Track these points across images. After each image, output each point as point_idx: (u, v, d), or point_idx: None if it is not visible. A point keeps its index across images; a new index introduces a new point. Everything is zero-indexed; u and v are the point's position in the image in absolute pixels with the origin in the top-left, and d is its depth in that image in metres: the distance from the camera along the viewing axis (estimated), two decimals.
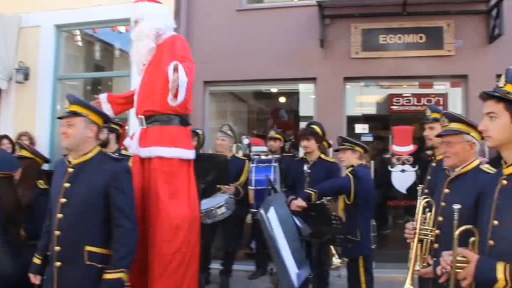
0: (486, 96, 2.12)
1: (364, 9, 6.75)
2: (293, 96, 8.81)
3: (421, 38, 6.83)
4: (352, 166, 4.64)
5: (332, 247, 4.59)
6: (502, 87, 2.10)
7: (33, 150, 4.04)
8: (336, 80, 6.82)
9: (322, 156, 5.35)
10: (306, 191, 4.53)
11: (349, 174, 4.55)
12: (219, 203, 5.38)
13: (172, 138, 3.70)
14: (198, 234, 3.81)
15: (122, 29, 8.24)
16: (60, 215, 2.94)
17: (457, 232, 2.14)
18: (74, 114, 3.02)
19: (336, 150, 4.99)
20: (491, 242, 2.06)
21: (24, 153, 3.89)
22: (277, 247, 2.32)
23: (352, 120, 7.44)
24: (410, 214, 7.75)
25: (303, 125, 8.69)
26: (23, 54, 7.79)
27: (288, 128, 8.43)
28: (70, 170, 3.01)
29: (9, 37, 7.69)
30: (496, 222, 2.06)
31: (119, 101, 4.21)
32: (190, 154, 3.81)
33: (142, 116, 3.81)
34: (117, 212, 2.92)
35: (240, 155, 6.27)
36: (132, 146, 3.89)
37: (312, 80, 6.99)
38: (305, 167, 5.17)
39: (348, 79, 6.96)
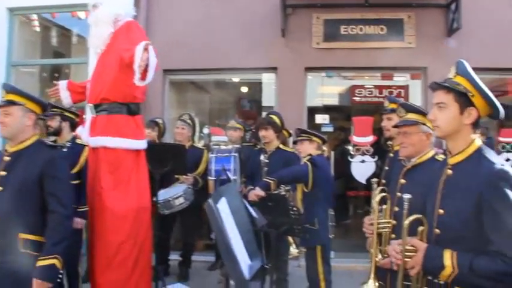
0: (436, 86, 2.15)
1: None
2: (256, 86, 8.75)
3: (382, 29, 6.87)
4: (310, 155, 4.62)
5: (290, 237, 4.60)
6: (452, 78, 2.13)
7: None
8: (297, 70, 6.79)
9: (281, 146, 5.33)
10: (264, 180, 4.50)
11: (307, 162, 4.53)
12: (176, 193, 5.31)
13: (117, 127, 3.64)
14: (149, 225, 3.78)
15: (82, 14, 8.00)
16: None
17: (406, 222, 2.15)
18: (11, 103, 3.00)
19: (294, 142, 4.98)
20: (437, 231, 2.11)
21: None
22: (227, 239, 2.27)
23: (314, 111, 7.46)
24: (370, 204, 7.89)
25: (264, 115, 8.71)
26: None
27: (250, 118, 8.40)
28: (6, 158, 3.01)
29: None
30: (441, 211, 2.10)
31: (78, 89, 4.13)
32: (137, 144, 3.74)
33: (91, 105, 3.75)
34: (50, 198, 2.91)
35: (199, 144, 6.18)
36: (83, 134, 3.83)
37: (273, 69, 6.94)
38: (262, 157, 5.14)
39: (309, 69, 6.94)
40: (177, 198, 5.28)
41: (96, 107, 3.70)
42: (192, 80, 8.21)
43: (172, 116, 7.27)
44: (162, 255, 5.68)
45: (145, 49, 3.23)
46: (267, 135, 5.19)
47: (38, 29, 8.35)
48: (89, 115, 4.12)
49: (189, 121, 5.80)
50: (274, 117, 5.36)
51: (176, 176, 5.59)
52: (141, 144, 3.79)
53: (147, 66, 3.24)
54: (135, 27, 3.79)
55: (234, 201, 2.68)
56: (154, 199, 5.08)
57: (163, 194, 5.24)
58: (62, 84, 4.14)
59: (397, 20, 6.88)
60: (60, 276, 2.99)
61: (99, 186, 3.51)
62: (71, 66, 8.84)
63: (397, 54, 6.78)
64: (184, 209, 5.39)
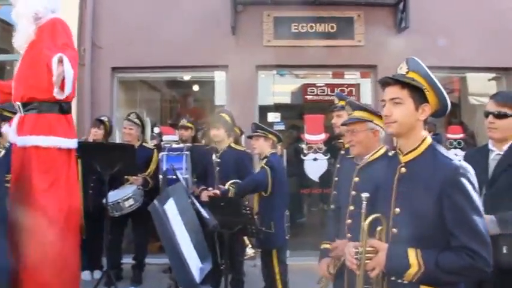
0: (392, 81, 2.10)
1: None
2: (208, 84, 8.65)
3: (332, 27, 6.93)
4: (266, 157, 4.59)
5: (245, 237, 4.55)
6: (405, 74, 2.11)
7: None
8: (248, 68, 6.75)
9: (232, 145, 5.26)
10: (225, 187, 4.46)
11: (265, 166, 4.50)
12: (126, 195, 5.17)
13: (49, 126, 3.53)
14: (77, 227, 3.70)
15: None
16: None
17: (366, 222, 2.09)
18: None
19: (249, 137, 4.93)
20: (394, 230, 2.06)
21: None
22: (175, 241, 2.18)
23: (266, 109, 7.42)
24: (324, 202, 7.95)
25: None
26: None
27: (202, 116, 8.29)
28: None
29: None
30: (397, 210, 2.06)
31: (5, 89, 3.90)
32: (69, 143, 3.65)
33: (19, 103, 3.60)
34: None
35: (149, 144, 6.02)
36: (11, 133, 3.66)
37: (224, 67, 6.87)
38: (214, 157, 5.06)
39: (260, 67, 6.91)
40: (126, 199, 5.15)
41: (24, 105, 3.57)
42: (142, 78, 8.02)
43: (121, 115, 7.07)
44: (114, 258, 5.50)
45: (60, 61, 3.19)
46: (218, 134, 5.11)
47: None
48: None
49: (136, 120, 5.64)
50: (224, 115, 5.28)
51: (125, 177, 5.45)
52: (73, 143, 3.70)
53: (64, 78, 3.21)
54: (59, 27, 3.65)
55: (182, 202, 2.58)
56: (104, 201, 4.95)
57: (112, 196, 5.10)
58: None
59: (347, 18, 6.96)
60: None
61: (31, 187, 3.38)
62: (13, 62, 8.43)
63: (347, 53, 6.86)
64: (136, 211, 5.25)
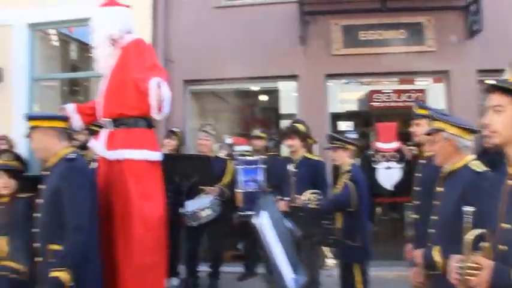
0: (493, 87, 1.96)
1: (344, 5, 6.70)
2: (273, 94, 8.74)
3: (401, 33, 6.83)
4: (348, 171, 4.56)
5: (324, 248, 4.54)
6: (508, 79, 1.95)
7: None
8: (317, 78, 6.78)
9: (307, 154, 5.29)
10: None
11: (348, 182, 4.47)
12: (203, 205, 5.29)
13: (139, 140, 3.69)
14: (167, 235, 3.79)
15: None
16: (37, 214, 3.18)
17: (470, 237, 1.99)
18: (33, 128, 3.21)
19: (326, 149, 4.93)
20: (503, 247, 1.91)
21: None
22: (272, 253, 2.24)
23: (335, 118, 7.41)
24: (395, 211, 7.82)
25: (283, 123, 8.69)
26: None
27: (269, 126, 8.38)
28: (45, 173, 3.25)
29: None
30: (507, 226, 1.90)
31: (87, 111, 4.14)
32: (156, 156, 3.80)
33: (107, 119, 3.78)
34: (66, 212, 3.01)
35: (222, 155, 6.15)
36: (98, 148, 3.83)
37: (293, 77, 6.92)
38: (290, 167, 5.10)
39: (329, 76, 6.91)
40: (203, 209, 5.26)
41: (114, 121, 3.75)
42: (211, 89, 8.21)
43: (193, 125, 7.27)
44: (191, 267, 5.65)
45: (158, 86, 3.29)
46: (293, 144, 5.15)
47: (56, 43, 8.41)
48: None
49: (211, 131, 5.79)
50: (298, 125, 5.31)
51: (201, 187, 5.58)
52: (159, 155, 3.85)
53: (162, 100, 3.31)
54: (144, 47, 3.81)
55: (274, 214, 2.64)
56: (182, 211, 5.09)
57: (190, 206, 5.22)
58: (69, 107, 4.09)
59: (416, 24, 6.84)
60: None
61: (129, 197, 3.53)
62: (90, 79, 8.89)
63: (418, 58, 6.72)
64: (212, 220, 5.37)
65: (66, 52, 8.88)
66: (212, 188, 5.43)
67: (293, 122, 5.52)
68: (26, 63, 7.53)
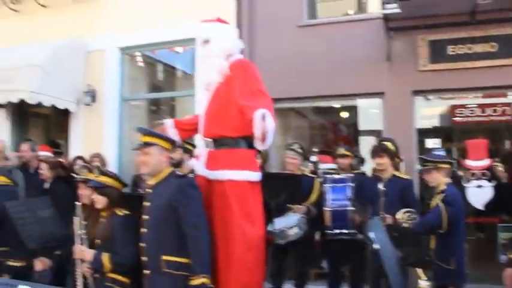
0: None
1: (431, 19, 6.54)
2: (352, 110, 8.67)
3: (492, 47, 6.56)
4: (443, 191, 4.43)
5: (418, 269, 4.41)
6: None
7: (114, 175, 3.99)
8: (403, 94, 6.63)
9: (396, 173, 5.22)
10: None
11: (440, 203, 4.34)
12: (291, 223, 5.27)
13: (241, 161, 3.71)
14: (265, 254, 3.82)
15: (179, 49, 8.39)
16: (145, 230, 3.38)
17: None
18: (148, 144, 3.38)
19: (420, 172, 4.82)
20: None
21: (106, 180, 3.85)
22: (390, 274, 2.21)
23: (420, 134, 7.21)
24: (484, 231, 7.46)
25: (362, 139, 8.57)
26: (90, 77, 8.05)
27: (348, 143, 8.28)
28: (149, 191, 3.48)
29: (77, 61, 7.99)
30: None
31: (185, 127, 4.23)
32: (257, 176, 3.82)
33: (209, 139, 3.82)
34: (186, 224, 3.21)
35: (308, 172, 6.12)
36: (199, 167, 3.89)
37: (379, 94, 6.81)
38: (380, 186, 5.03)
39: (415, 92, 6.74)
40: (291, 228, 5.24)
41: (215, 141, 3.78)
42: (296, 107, 8.26)
43: (276, 142, 7.33)
44: (277, 285, 5.65)
45: (263, 118, 3.26)
46: (382, 162, 5.10)
47: (141, 64, 8.81)
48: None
49: (299, 150, 5.78)
50: (388, 143, 5.26)
51: (288, 205, 5.58)
52: (259, 175, 3.85)
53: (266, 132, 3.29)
54: (250, 70, 3.81)
55: (380, 235, 2.61)
56: (270, 229, 5.11)
57: (277, 224, 5.23)
58: (168, 123, 4.20)
59: (508, 36, 6.54)
60: None
61: (232, 217, 3.57)
62: (176, 98, 9.23)
63: (508, 72, 6.43)
64: (298, 238, 5.35)
65: (151, 73, 9.28)
66: (299, 206, 5.42)
67: (381, 140, 5.46)
68: (117, 84, 7.96)
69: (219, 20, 4.08)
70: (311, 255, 6.03)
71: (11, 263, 4.22)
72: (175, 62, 9.31)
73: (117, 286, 3.58)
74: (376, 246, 2.16)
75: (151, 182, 3.46)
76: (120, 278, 3.60)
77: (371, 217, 3.83)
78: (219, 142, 3.75)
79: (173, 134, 4.13)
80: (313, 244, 5.99)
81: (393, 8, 5.95)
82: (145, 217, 3.40)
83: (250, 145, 3.78)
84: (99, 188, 3.77)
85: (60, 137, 10.63)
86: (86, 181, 4.22)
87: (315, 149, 8.64)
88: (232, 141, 3.72)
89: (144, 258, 3.37)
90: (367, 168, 6.82)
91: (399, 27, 6.61)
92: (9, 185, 4.55)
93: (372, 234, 2.31)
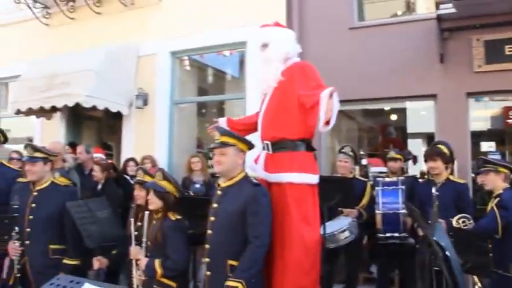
0: None
1: (486, 19, 6.33)
2: (400, 112, 8.52)
3: None
4: (498, 196, 4.30)
5: (474, 276, 4.30)
6: None
7: (174, 182, 4.00)
8: (457, 96, 6.45)
9: (451, 177, 5.11)
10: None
11: (494, 208, 4.22)
12: (342, 227, 5.23)
13: (300, 164, 3.70)
14: (320, 257, 3.79)
15: (227, 52, 8.48)
16: (210, 231, 3.42)
17: None
18: (225, 144, 3.40)
19: (477, 173, 4.69)
20: None
21: (166, 185, 3.88)
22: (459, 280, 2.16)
23: (473, 137, 7.01)
24: None
25: (411, 142, 8.41)
26: (142, 81, 8.25)
27: (396, 145, 8.15)
28: (219, 192, 3.50)
29: (129, 66, 8.21)
30: None
31: (239, 127, 4.25)
32: (316, 179, 3.81)
33: (268, 142, 3.82)
34: (251, 230, 3.24)
35: (358, 175, 6.06)
36: (258, 170, 3.90)
37: (432, 97, 6.66)
38: (433, 190, 4.92)
39: (470, 94, 6.56)
40: (342, 232, 5.20)
41: (274, 144, 3.78)
42: (347, 109, 8.18)
43: (325, 145, 7.30)
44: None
45: (330, 96, 3.25)
46: (436, 166, 5.01)
47: (190, 68, 8.94)
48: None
49: (351, 153, 5.75)
50: (442, 147, 5.16)
51: (339, 209, 5.54)
52: (318, 178, 3.84)
53: (332, 110, 3.25)
54: (308, 69, 3.80)
55: (445, 241, 2.55)
56: (321, 232, 5.08)
57: (329, 227, 5.20)
58: (222, 121, 4.28)
59: None
60: None
61: (290, 219, 3.58)
62: (225, 102, 9.33)
63: None
64: (349, 242, 5.30)
65: (200, 77, 9.42)
66: (351, 210, 5.38)
67: (435, 144, 5.36)
68: (168, 88, 8.13)
69: (278, 24, 4.12)
70: (360, 259, 5.98)
71: (66, 261, 4.30)
72: (222, 66, 9.44)
73: None
74: (447, 253, 2.11)
75: (223, 184, 3.49)
76: (168, 282, 3.63)
77: (435, 222, 3.75)
78: (278, 145, 3.76)
79: None
80: (362, 248, 5.94)
81: (448, 8, 5.82)
82: (211, 218, 3.43)
83: (309, 148, 3.82)
84: (158, 192, 3.80)
85: (110, 139, 10.98)
86: (142, 183, 4.30)
87: (362, 152, 8.54)
88: (292, 144, 3.71)
89: (206, 260, 3.42)
90: (415, 171, 6.75)
91: (453, 27, 6.43)
92: (69, 185, 4.69)
93: (441, 241, 2.26)
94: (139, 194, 4.32)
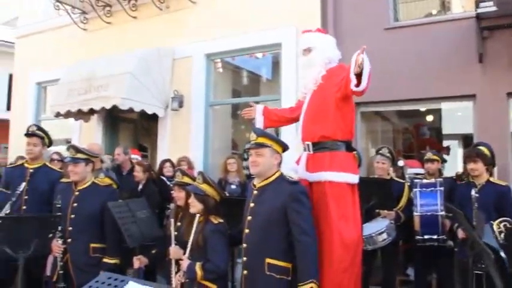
0: None
1: None
2: (435, 113, 8.40)
3: None
4: None
5: None
6: None
7: (215, 185, 3.94)
8: (497, 96, 6.30)
9: (491, 179, 5.00)
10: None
11: None
12: (380, 229, 5.18)
13: (340, 163, 3.74)
14: (361, 256, 3.82)
15: (259, 55, 8.53)
16: (247, 230, 3.46)
17: None
18: (261, 145, 3.45)
19: None
20: None
21: (206, 188, 3.83)
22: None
23: None
24: None
25: (446, 144, 8.27)
26: (177, 83, 8.38)
27: (433, 146, 8.04)
28: (255, 192, 3.52)
29: (165, 68, 8.33)
30: None
31: (273, 117, 4.34)
32: (356, 179, 3.83)
33: (309, 143, 3.89)
34: (296, 229, 3.26)
35: (397, 178, 5.98)
36: (299, 170, 3.95)
37: (470, 97, 6.53)
38: (473, 192, 4.83)
39: (511, 94, 6.40)
40: (380, 234, 5.15)
41: (315, 144, 3.85)
42: (383, 110, 8.11)
43: (360, 146, 7.24)
44: None
45: (362, 51, 3.29)
46: (476, 167, 4.91)
47: (224, 70, 9.01)
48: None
49: (388, 154, 5.70)
50: (483, 148, 5.05)
51: (377, 211, 5.50)
52: (357, 178, 3.87)
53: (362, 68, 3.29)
54: (347, 69, 3.86)
55: (494, 243, 2.52)
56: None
57: (366, 229, 5.16)
58: (259, 108, 4.35)
59: None
60: None
61: (329, 217, 3.61)
62: (259, 103, 9.33)
63: None
64: (386, 245, 5.25)
65: (233, 79, 9.49)
66: (389, 212, 5.33)
67: (476, 145, 5.27)
68: (203, 90, 8.21)
69: (320, 30, 4.24)
70: (397, 262, 5.91)
71: (106, 260, 4.38)
72: (255, 68, 9.50)
73: None
74: (502, 254, 2.08)
75: (259, 183, 3.52)
76: (208, 284, 3.59)
77: (486, 223, 3.68)
78: (318, 145, 3.82)
79: (259, 120, 4.30)
80: (399, 250, 5.87)
81: (488, 7, 5.71)
82: (248, 218, 3.47)
83: (349, 148, 3.87)
84: (198, 195, 3.79)
85: (145, 141, 11.16)
86: (181, 184, 4.34)
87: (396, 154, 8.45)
88: (332, 143, 3.78)
89: (244, 259, 3.45)
90: (450, 172, 6.64)
91: (493, 26, 6.29)
92: (109, 186, 4.78)
93: (492, 242, 2.23)
94: (178, 195, 4.35)
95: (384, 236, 5.18)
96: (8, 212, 4.31)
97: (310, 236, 3.28)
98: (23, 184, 4.79)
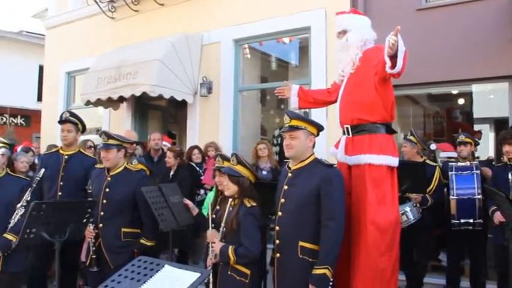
0: None
1: None
2: (467, 96, 8.21)
3: None
4: None
5: None
6: None
7: (249, 166, 3.89)
8: None
9: None
10: None
11: None
12: (402, 209, 5.09)
13: (380, 146, 3.72)
14: (399, 238, 3.79)
15: (286, 40, 8.45)
16: (280, 213, 3.44)
17: None
18: (296, 128, 3.41)
19: None
20: None
21: (241, 169, 3.78)
22: None
23: None
24: None
25: (477, 127, 8.09)
26: (206, 69, 8.40)
27: (465, 129, 7.87)
28: (289, 175, 3.49)
29: (193, 54, 8.34)
30: None
31: (309, 99, 4.37)
32: (396, 162, 3.79)
33: (348, 126, 3.85)
34: (324, 213, 3.23)
35: (430, 161, 5.88)
36: (338, 154, 3.95)
37: (506, 78, 6.35)
38: (510, 175, 4.74)
39: None
40: (402, 214, 5.04)
41: (354, 127, 3.83)
42: (410, 94, 7.97)
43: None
44: None
45: (396, 33, 3.24)
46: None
47: (253, 55, 8.96)
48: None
49: (411, 138, 5.61)
50: None
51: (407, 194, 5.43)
52: (397, 161, 3.83)
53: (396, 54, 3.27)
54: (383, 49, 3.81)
55: None
56: None
57: None
58: (294, 88, 4.36)
59: None
60: (331, 284, 3.23)
61: (365, 201, 3.61)
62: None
63: None
64: (420, 229, 5.18)
65: (261, 64, 9.44)
66: (416, 195, 5.21)
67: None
68: (232, 75, 8.21)
69: (354, 11, 4.20)
70: (429, 247, 5.84)
71: (143, 242, 4.43)
72: (282, 53, 9.43)
73: (238, 276, 3.55)
74: None
75: (294, 166, 3.49)
76: (241, 268, 3.55)
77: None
78: (357, 128, 3.81)
79: (294, 100, 4.34)
80: (432, 235, 5.79)
81: None
82: (282, 200, 3.44)
83: (389, 131, 3.83)
84: (233, 176, 3.73)
85: (174, 128, 11.24)
86: (220, 169, 4.30)
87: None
88: (372, 126, 3.76)
89: (276, 241, 3.44)
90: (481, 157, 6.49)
91: None
92: (141, 171, 4.83)
93: None
94: (219, 180, 4.17)
95: (404, 218, 5.04)
96: (29, 198, 4.37)
97: (336, 220, 3.22)
98: (42, 170, 4.84)
